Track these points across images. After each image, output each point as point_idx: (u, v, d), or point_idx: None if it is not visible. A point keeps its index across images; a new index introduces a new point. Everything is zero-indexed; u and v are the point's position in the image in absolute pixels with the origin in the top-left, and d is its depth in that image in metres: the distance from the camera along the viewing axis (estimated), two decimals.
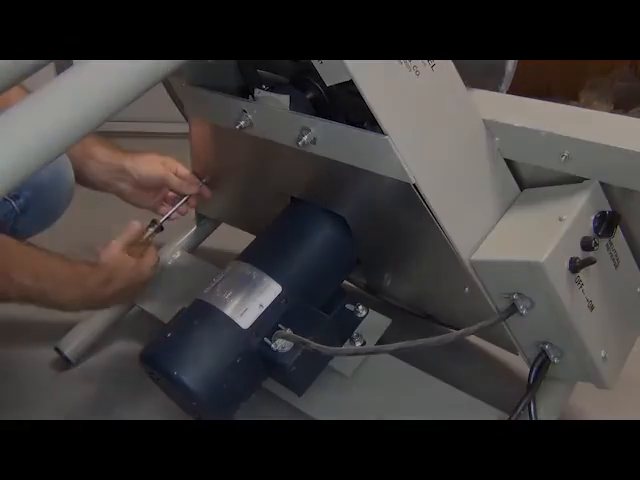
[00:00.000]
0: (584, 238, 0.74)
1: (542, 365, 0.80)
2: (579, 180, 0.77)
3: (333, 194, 0.91)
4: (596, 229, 0.75)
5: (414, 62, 0.71)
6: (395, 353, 0.94)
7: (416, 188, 0.75)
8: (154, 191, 1.09)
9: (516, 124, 0.78)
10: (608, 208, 0.78)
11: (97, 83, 0.62)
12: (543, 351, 0.80)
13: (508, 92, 0.90)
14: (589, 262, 0.73)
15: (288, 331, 0.83)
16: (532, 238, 0.76)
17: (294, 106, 0.81)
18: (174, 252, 1.20)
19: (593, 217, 0.76)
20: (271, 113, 0.83)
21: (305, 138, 0.78)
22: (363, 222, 0.90)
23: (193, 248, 1.23)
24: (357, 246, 0.93)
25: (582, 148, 0.74)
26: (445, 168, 0.77)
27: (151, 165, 1.08)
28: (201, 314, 0.86)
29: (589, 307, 0.77)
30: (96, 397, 1.08)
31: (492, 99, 0.84)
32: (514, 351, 0.87)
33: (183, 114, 1.08)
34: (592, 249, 0.73)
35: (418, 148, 0.74)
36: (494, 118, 0.79)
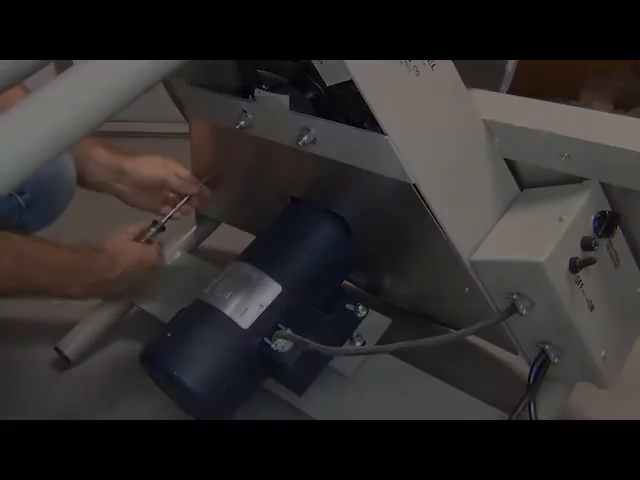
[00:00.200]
0: (584, 238, 0.74)
1: (542, 365, 0.80)
2: (579, 180, 0.77)
3: (333, 194, 0.91)
4: (596, 229, 0.75)
5: (414, 62, 0.71)
6: (395, 353, 0.94)
7: (416, 188, 0.75)
8: (154, 192, 1.09)
9: (516, 124, 0.78)
10: (608, 208, 0.78)
11: (97, 83, 0.62)
12: (543, 351, 0.80)
13: (508, 92, 0.90)
14: (589, 262, 0.73)
15: (288, 331, 0.83)
16: (532, 238, 0.76)
17: (294, 106, 0.80)
18: (174, 252, 1.20)
19: (593, 217, 0.76)
20: (271, 113, 0.82)
21: (305, 138, 0.78)
22: (363, 222, 0.90)
23: (193, 248, 1.23)
24: (357, 246, 0.93)
25: (582, 148, 0.74)
26: (445, 168, 0.77)
27: (150, 166, 1.08)
28: (201, 314, 0.86)
29: (589, 307, 0.77)
30: (96, 397, 1.08)
31: (492, 99, 0.84)
32: (514, 351, 0.87)
33: (183, 114, 1.08)
34: (592, 249, 0.73)
35: (418, 148, 0.74)
36: (494, 118, 0.79)
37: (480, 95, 0.82)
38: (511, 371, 1.04)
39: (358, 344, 0.94)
